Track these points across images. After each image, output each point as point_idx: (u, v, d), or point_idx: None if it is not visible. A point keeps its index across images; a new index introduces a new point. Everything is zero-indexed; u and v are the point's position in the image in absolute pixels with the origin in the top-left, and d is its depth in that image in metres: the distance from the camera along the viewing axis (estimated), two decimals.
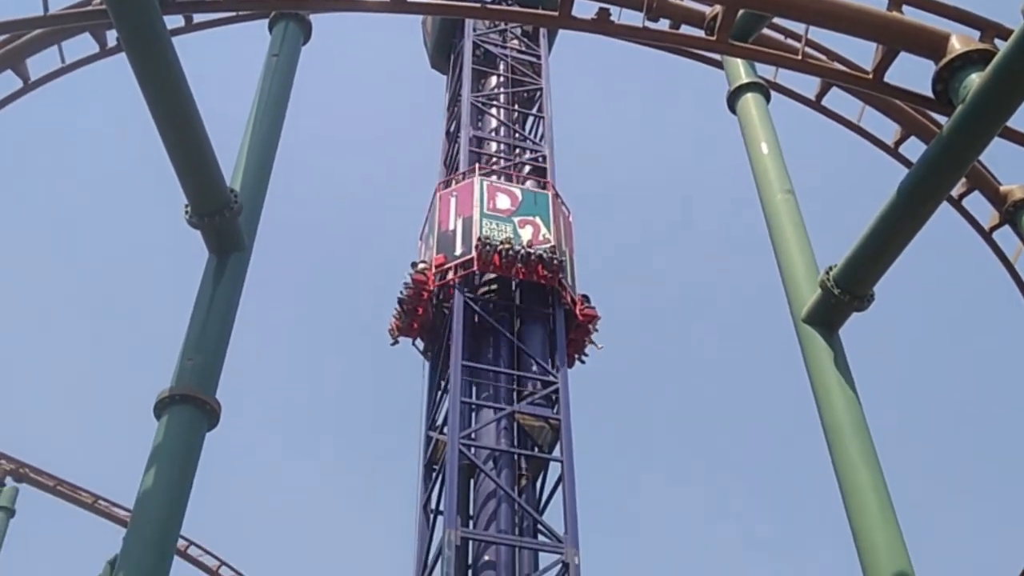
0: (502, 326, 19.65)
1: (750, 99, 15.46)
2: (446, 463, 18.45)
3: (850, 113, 16.13)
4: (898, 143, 15.84)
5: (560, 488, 18.76)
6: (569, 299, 19.71)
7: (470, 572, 17.75)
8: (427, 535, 18.70)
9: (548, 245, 19.91)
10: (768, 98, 15.92)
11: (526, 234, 20.16)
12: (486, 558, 17.55)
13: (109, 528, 27.63)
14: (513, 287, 19.87)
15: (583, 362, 20.29)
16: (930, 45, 10.94)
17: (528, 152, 23.57)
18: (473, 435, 19.22)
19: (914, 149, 15.09)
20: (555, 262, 19.54)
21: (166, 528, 9.42)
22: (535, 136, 24.05)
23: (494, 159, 23.02)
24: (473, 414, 20.05)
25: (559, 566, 17.28)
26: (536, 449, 19.73)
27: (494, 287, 20.04)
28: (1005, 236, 15.93)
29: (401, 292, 19.94)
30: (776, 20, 14.59)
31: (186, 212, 11.30)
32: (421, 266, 19.99)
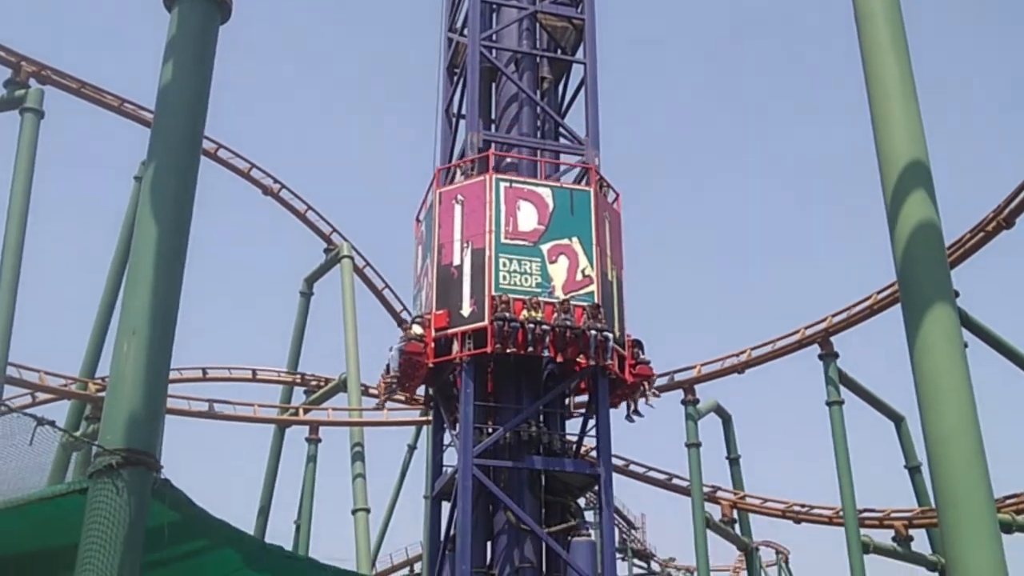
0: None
1: None
2: (467, 65, 18.30)
3: None
4: None
5: (583, 91, 18.73)
6: (616, 366, 15.46)
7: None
8: (450, 138, 19.01)
9: (588, 288, 15.49)
10: None
11: (559, 274, 15.52)
12: (507, 160, 17.90)
13: (139, 131, 28.19)
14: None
15: (632, 421, 16.45)
16: None
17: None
18: (494, 36, 18.86)
19: None
20: (600, 337, 15.02)
21: (190, 122, 9.49)
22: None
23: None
24: (494, 15, 19.52)
25: (579, 169, 17.76)
26: (559, 51, 19.47)
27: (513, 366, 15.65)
28: None
29: (389, 364, 15.78)
30: None
31: None
32: (415, 331, 15.51)
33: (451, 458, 15.76)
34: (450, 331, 15.18)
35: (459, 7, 20.05)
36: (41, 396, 26.96)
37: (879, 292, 27.54)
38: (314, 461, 30.80)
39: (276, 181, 33.15)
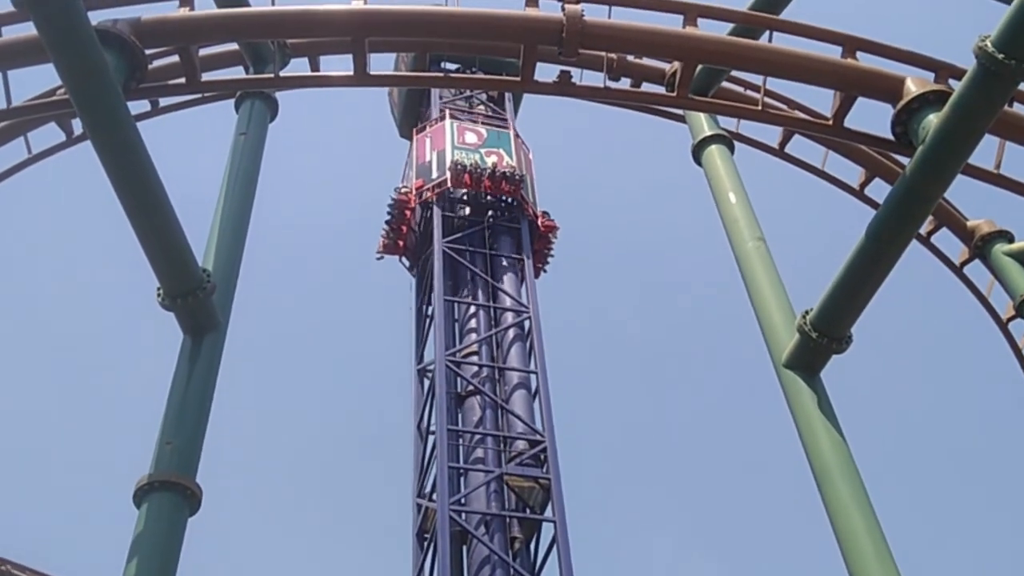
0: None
1: (715, 151, 15.53)
2: (437, 531, 18.23)
3: (814, 159, 16.30)
4: (863, 185, 16.03)
5: (555, 549, 18.55)
6: (531, 212, 23.14)
7: None
8: None
9: (511, 168, 23.27)
10: (732, 149, 16.00)
11: (491, 160, 23.45)
12: None
13: None
14: (483, 200, 23.10)
15: (546, 271, 23.54)
16: (886, 89, 11.19)
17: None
18: (463, 500, 19.03)
19: (879, 190, 15.30)
20: (517, 177, 23.09)
21: None
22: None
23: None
24: (462, 478, 19.88)
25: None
26: (528, 511, 19.58)
27: (467, 205, 23.36)
28: (976, 270, 16.09)
29: (387, 212, 23.15)
30: (735, 73, 14.84)
31: (159, 295, 11.22)
32: (403, 189, 23.33)
33: None
34: (425, 186, 22.86)
35: (427, 473, 20.47)
36: None
37: None
38: None
39: None
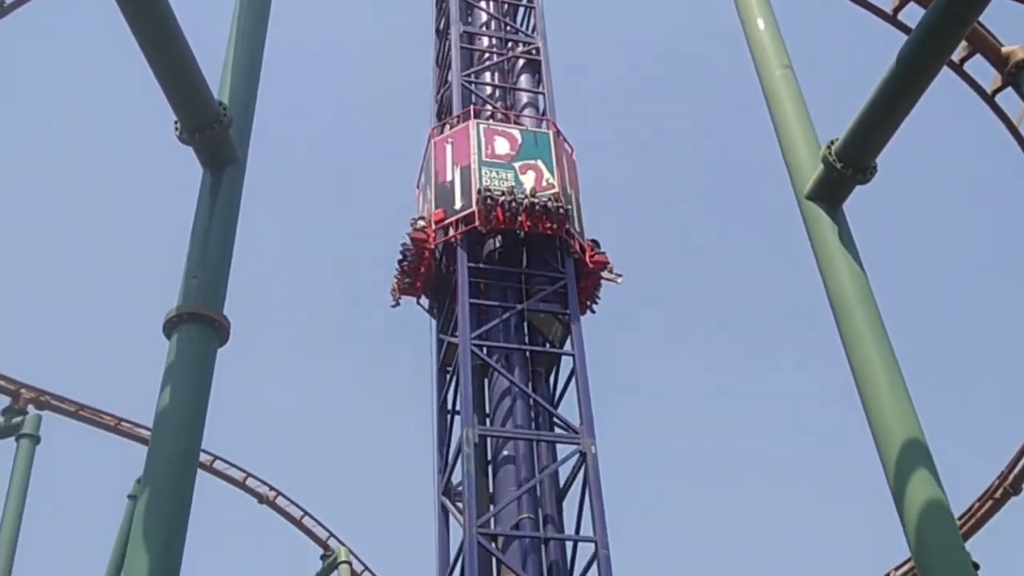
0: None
1: None
2: (459, 364, 18.71)
3: None
4: (896, 9, 15.51)
5: (573, 381, 19.05)
6: (578, 247, 18.95)
7: (490, 467, 18.16)
8: (445, 434, 19.08)
9: (552, 191, 19.03)
10: None
11: (528, 181, 19.19)
12: (505, 452, 17.95)
13: (135, 448, 28.13)
14: (519, 236, 18.90)
15: (593, 311, 19.67)
16: None
17: (521, 45, 23.21)
18: (484, 335, 19.42)
19: (913, 15, 14.79)
20: (561, 211, 18.61)
21: (186, 444, 9.54)
22: (527, 28, 23.73)
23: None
24: (483, 316, 20.20)
25: (576, 456, 17.83)
26: (547, 344, 19.98)
27: (498, 240, 19.07)
28: (1008, 99, 15.69)
29: (401, 252, 19.17)
30: None
31: (176, 128, 11.15)
32: (420, 223, 18.99)
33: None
34: (447, 220, 18.74)
35: (449, 311, 20.79)
36: None
37: (896, 569, 26.57)
38: None
39: (272, 488, 32.69)
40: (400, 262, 19.23)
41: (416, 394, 20.39)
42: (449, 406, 19.58)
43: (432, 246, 18.79)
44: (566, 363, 19.86)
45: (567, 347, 19.59)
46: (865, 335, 10.15)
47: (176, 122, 11.12)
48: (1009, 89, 15.29)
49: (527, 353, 19.53)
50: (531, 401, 18.64)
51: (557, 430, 18.43)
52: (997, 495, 24.08)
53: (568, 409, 18.73)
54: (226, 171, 11.25)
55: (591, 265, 19.06)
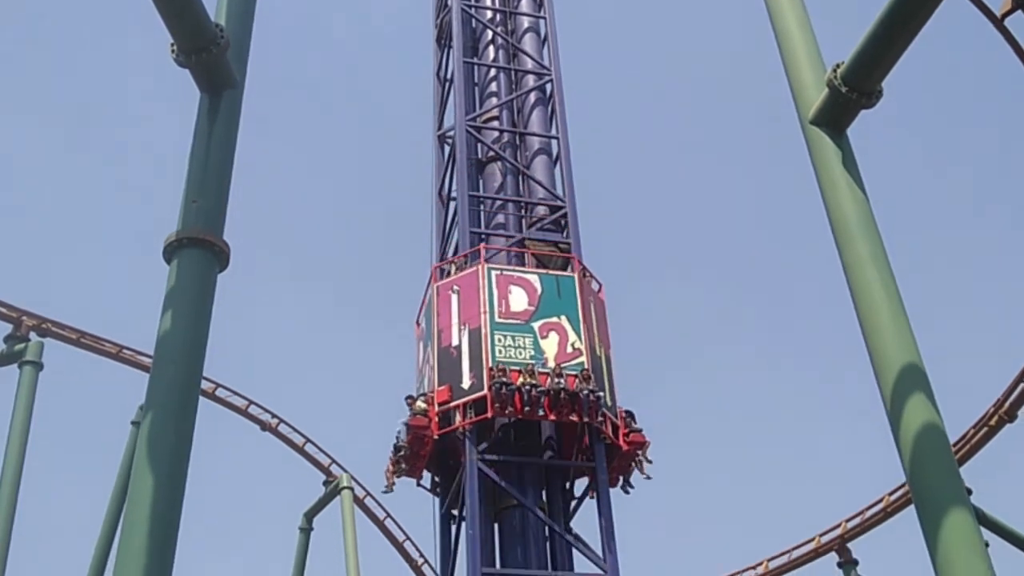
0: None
1: None
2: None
3: None
4: None
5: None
6: (610, 429, 16.36)
7: None
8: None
9: (579, 359, 16.45)
10: None
11: (550, 347, 16.56)
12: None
13: (139, 376, 28.31)
14: (538, 424, 16.44)
15: (627, 492, 17.00)
16: None
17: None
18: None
19: None
20: (592, 397, 15.96)
21: (188, 368, 9.56)
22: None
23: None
24: (482, 243, 20.17)
25: None
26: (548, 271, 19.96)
27: (514, 432, 16.52)
28: (1017, 22, 15.42)
29: (397, 439, 16.62)
30: None
31: (172, 51, 10.98)
32: (420, 406, 16.34)
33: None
34: (452, 404, 15.98)
35: (450, 239, 20.75)
36: None
37: (891, 494, 26.94)
38: None
39: (274, 416, 33.01)
40: (396, 449, 16.58)
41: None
42: None
43: (435, 436, 16.01)
44: None
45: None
46: (866, 261, 10.14)
47: (172, 44, 10.94)
48: (1019, 12, 15.00)
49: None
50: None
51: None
52: (992, 422, 24.32)
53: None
54: (224, 95, 11.10)
55: (626, 447, 16.49)
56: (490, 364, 16.02)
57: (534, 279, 17.58)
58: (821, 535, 28.14)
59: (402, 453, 16.47)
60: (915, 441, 9.15)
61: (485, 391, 15.77)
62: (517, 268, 18.00)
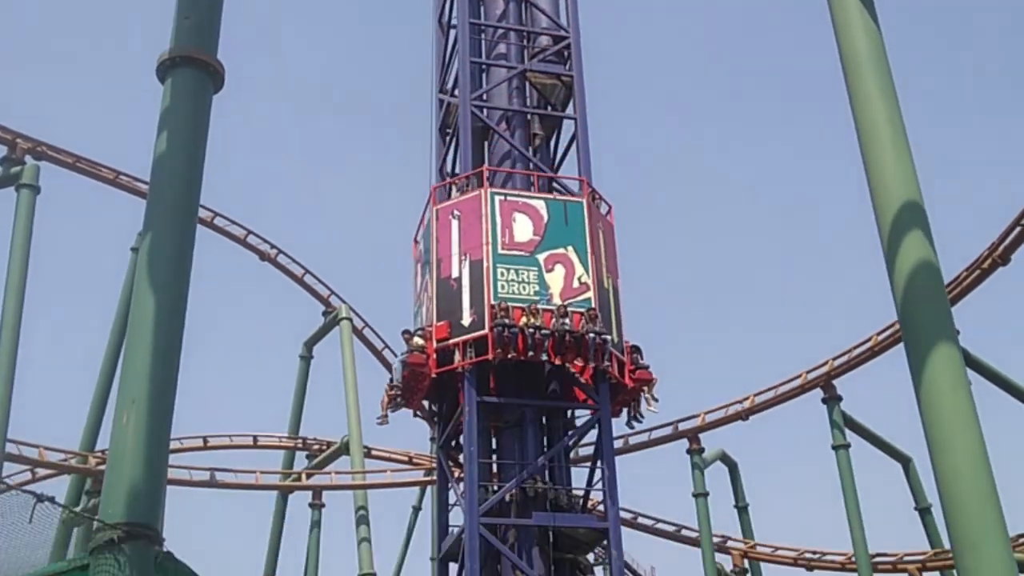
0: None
1: None
2: (459, 125, 18.46)
3: None
4: None
5: (575, 145, 18.89)
6: (616, 369, 15.96)
7: None
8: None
9: (586, 295, 15.94)
10: None
11: (556, 282, 15.93)
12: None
13: (137, 203, 28.27)
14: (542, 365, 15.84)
15: (632, 427, 17.28)
16: None
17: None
18: (485, 96, 19.06)
19: None
20: (598, 340, 15.46)
21: (185, 191, 9.47)
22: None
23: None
24: (484, 75, 19.76)
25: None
26: (549, 107, 19.66)
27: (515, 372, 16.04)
28: None
29: (392, 378, 16.39)
30: None
31: None
32: (417, 341, 15.87)
33: (457, 518, 15.75)
34: (451, 341, 15.50)
35: (449, 68, 20.32)
36: (41, 472, 26.65)
37: (879, 333, 27.47)
38: (318, 527, 30.39)
39: (273, 247, 33.23)
40: (392, 386, 16.20)
41: (419, 158, 20.29)
42: (448, 168, 19.55)
43: (433, 374, 15.64)
44: (567, 128, 19.67)
45: (569, 110, 19.31)
46: (874, 95, 9.90)
47: None
48: None
49: (528, 116, 19.30)
50: (531, 166, 18.55)
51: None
52: (985, 265, 24.53)
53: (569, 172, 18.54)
54: None
55: (632, 384, 16.31)
56: (492, 301, 15.46)
57: (540, 205, 16.78)
58: (808, 372, 28.87)
59: (397, 391, 16.14)
60: (909, 278, 9.18)
61: (486, 331, 15.23)
62: (522, 193, 17.19)
